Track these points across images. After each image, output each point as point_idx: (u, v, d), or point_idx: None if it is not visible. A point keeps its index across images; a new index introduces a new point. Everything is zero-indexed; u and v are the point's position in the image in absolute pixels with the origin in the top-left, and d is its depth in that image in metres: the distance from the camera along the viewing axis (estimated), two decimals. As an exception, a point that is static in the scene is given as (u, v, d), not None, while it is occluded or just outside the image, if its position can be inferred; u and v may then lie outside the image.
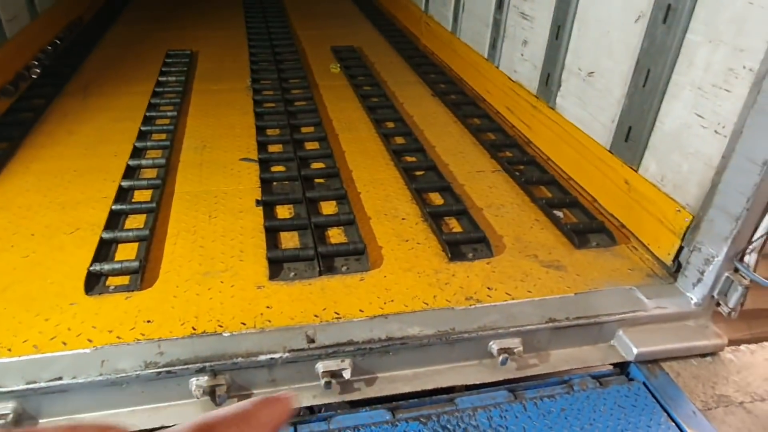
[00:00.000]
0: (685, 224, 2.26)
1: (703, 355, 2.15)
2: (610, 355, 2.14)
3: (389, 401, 1.96)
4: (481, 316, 2.07)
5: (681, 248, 2.29)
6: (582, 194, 2.88)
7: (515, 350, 2.01)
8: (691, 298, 2.20)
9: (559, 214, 2.69)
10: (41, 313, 1.98)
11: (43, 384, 1.71)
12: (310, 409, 1.92)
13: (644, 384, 2.05)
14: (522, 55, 3.50)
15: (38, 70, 4.30)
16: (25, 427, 1.74)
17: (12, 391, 1.69)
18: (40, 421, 1.76)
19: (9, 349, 1.83)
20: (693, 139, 2.25)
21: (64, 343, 1.86)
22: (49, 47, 4.79)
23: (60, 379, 1.73)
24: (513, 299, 2.17)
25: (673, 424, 1.90)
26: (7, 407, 1.69)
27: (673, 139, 2.35)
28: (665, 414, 1.93)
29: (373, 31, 5.73)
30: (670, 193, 2.38)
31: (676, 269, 2.32)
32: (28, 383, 1.71)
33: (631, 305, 2.16)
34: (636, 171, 2.57)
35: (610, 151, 2.74)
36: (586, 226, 2.60)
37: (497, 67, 3.83)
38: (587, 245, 2.50)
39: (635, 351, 2.07)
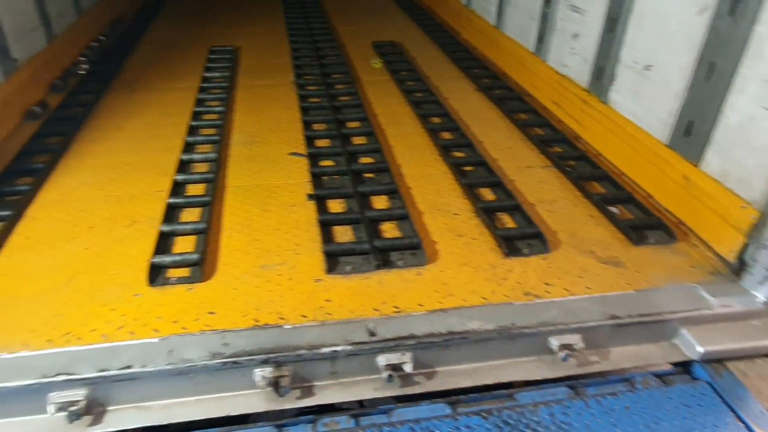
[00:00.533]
0: (751, 221, 2.19)
1: (770, 356, 2.09)
2: (672, 354, 2.09)
3: (448, 395, 1.95)
4: (541, 312, 2.04)
5: (746, 245, 2.23)
6: (636, 190, 2.82)
7: (576, 347, 1.98)
8: (757, 297, 2.14)
9: (614, 210, 2.64)
10: (107, 303, 2.02)
11: (114, 372, 1.75)
12: (371, 402, 1.92)
13: (709, 383, 2.00)
14: (572, 48, 3.44)
15: (86, 67, 4.39)
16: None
17: (84, 379, 1.73)
18: (108, 408, 1.79)
19: (79, 338, 1.87)
20: (760, 133, 2.18)
21: (132, 333, 1.90)
22: (95, 44, 4.88)
23: (130, 367, 1.76)
24: (572, 295, 2.14)
25: (742, 424, 1.85)
26: (79, 394, 1.73)
27: (739, 134, 2.28)
28: (733, 414, 1.88)
29: (412, 25, 5.70)
30: (734, 188, 2.31)
31: (739, 267, 2.25)
32: (99, 371, 1.75)
33: (694, 303, 2.11)
34: (696, 166, 2.50)
35: (667, 146, 2.67)
36: (642, 222, 2.55)
37: (544, 62, 3.78)
38: (645, 242, 2.44)
39: (700, 350, 2.02)
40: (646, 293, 2.16)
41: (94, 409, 1.77)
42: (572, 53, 3.45)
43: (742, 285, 2.20)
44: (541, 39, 3.81)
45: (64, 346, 1.84)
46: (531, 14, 3.92)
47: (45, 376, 1.72)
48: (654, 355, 2.09)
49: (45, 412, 1.71)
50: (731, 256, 2.29)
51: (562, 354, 1.96)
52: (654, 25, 2.75)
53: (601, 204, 2.67)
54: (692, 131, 2.52)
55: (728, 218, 2.31)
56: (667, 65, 2.67)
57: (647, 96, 2.82)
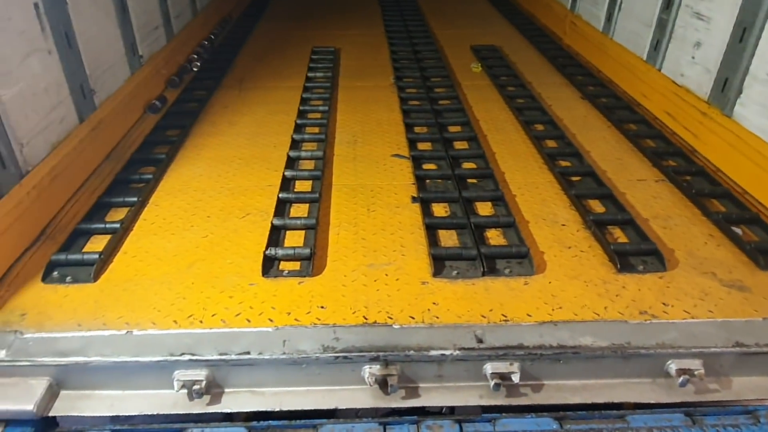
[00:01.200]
0: None
1: None
2: (805, 390, 1.93)
3: (555, 410, 1.90)
4: (659, 333, 1.95)
5: None
6: (762, 211, 2.63)
7: (696, 372, 1.87)
8: None
9: (737, 230, 2.47)
10: (225, 291, 2.12)
11: (233, 356, 1.83)
12: (476, 409, 1.90)
13: None
14: (693, 57, 3.26)
15: (198, 64, 4.64)
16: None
17: (206, 360, 1.83)
18: (226, 390, 1.88)
19: (201, 321, 1.98)
20: None
21: (248, 321, 1.98)
22: (206, 42, 5.15)
23: (248, 353, 1.84)
24: (692, 318, 2.02)
25: None
26: (200, 374, 1.82)
27: None
28: None
29: (512, 30, 5.62)
30: None
31: None
32: (220, 354, 1.84)
33: (834, 337, 1.94)
34: (836, 188, 2.30)
35: (802, 165, 2.47)
36: (771, 246, 2.37)
37: (659, 70, 3.60)
38: (774, 267, 2.27)
39: (839, 388, 1.85)
40: (776, 322, 2.00)
41: (212, 390, 1.86)
42: (693, 63, 3.27)
43: None
44: (656, 47, 3.63)
45: (188, 327, 1.95)
46: (645, 20, 3.75)
47: (172, 355, 1.83)
48: (783, 390, 1.94)
49: (170, 387, 1.82)
50: None
51: (680, 379, 1.86)
52: (793, 34, 2.55)
53: (722, 223, 2.50)
54: (834, 150, 2.32)
55: None
56: (807, 78, 2.47)
57: (780, 110, 2.62)
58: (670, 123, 3.44)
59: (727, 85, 2.95)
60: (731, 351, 1.90)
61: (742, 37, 2.84)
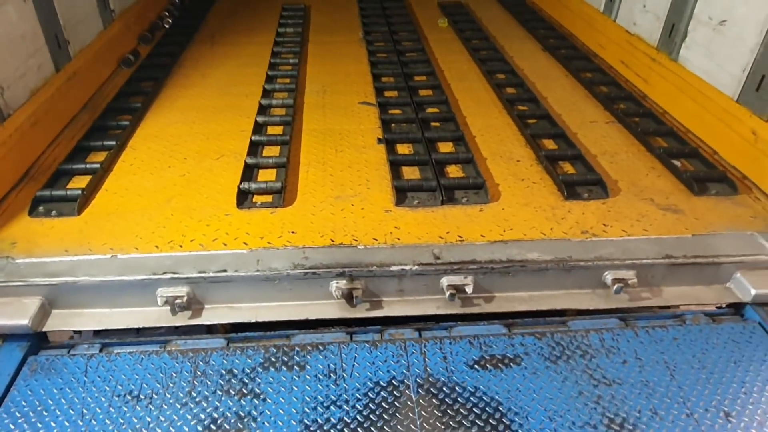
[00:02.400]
0: (817, 173, 2.22)
1: (825, 303, 2.14)
2: (725, 296, 2.18)
3: (505, 318, 2.12)
4: (597, 248, 2.17)
5: (809, 198, 2.26)
6: (702, 146, 2.85)
7: (629, 281, 2.10)
8: (817, 246, 2.18)
9: (676, 163, 2.69)
10: (202, 220, 2.28)
11: (211, 274, 2.01)
12: (434, 318, 2.11)
13: (760, 324, 2.08)
14: (644, 6, 3.43)
15: (170, 20, 4.68)
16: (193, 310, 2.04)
17: (187, 278, 2.00)
18: (205, 306, 2.05)
19: (180, 246, 2.14)
20: (833, 85, 2.19)
21: (225, 244, 2.15)
22: (177, 0, 5.17)
23: (225, 271, 2.01)
24: (629, 236, 2.24)
25: (791, 361, 1.93)
26: (182, 291, 1.99)
27: (810, 86, 2.30)
28: (782, 352, 1.96)
29: (479, -13, 5.72)
30: (802, 142, 2.33)
31: (801, 219, 2.29)
32: (199, 272, 2.01)
33: (751, 249, 2.18)
34: (766, 121, 2.52)
35: (737, 102, 2.69)
36: (705, 175, 2.59)
37: (614, 21, 3.78)
38: (706, 193, 2.50)
39: (753, 292, 2.09)
40: (703, 238, 2.23)
41: (193, 306, 2.03)
42: (644, 11, 3.45)
43: (802, 235, 2.24)
44: (612, -2, 3.80)
45: (169, 251, 2.11)
46: (603, -27, 3.91)
47: (155, 274, 1.99)
48: (707, 296, 2.18)
49: (154, 304, 1.99)
50: (793, 209, 2.32)
51: (615, 287, 2.08)
52: (731, -21, 2.74)
53: (664, 157, 2.72)
54: (763, 86, 2.53)
55: (793, 171, 2.34)
56: (743, 19, 2.66)
57: (720, 52, 2.82)
58: (624, 71, 3.64)
59: (674, 30, 3.15)
60: (661, 262, 2.13)
61: (687, -16, 3.02)
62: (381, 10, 4.93)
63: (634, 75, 3.53)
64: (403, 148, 2.84)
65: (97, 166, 2.56)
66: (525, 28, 4.52)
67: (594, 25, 4.04)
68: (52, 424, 1.72)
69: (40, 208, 2.32)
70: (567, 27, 4.47)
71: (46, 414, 1.75)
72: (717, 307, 2.22)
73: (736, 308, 2.18)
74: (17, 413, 1.75)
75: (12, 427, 1.72)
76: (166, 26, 4.62)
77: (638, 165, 2.72)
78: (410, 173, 2.64)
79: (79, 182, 2.49)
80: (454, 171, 2.66)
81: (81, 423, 1.73)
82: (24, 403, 1.78)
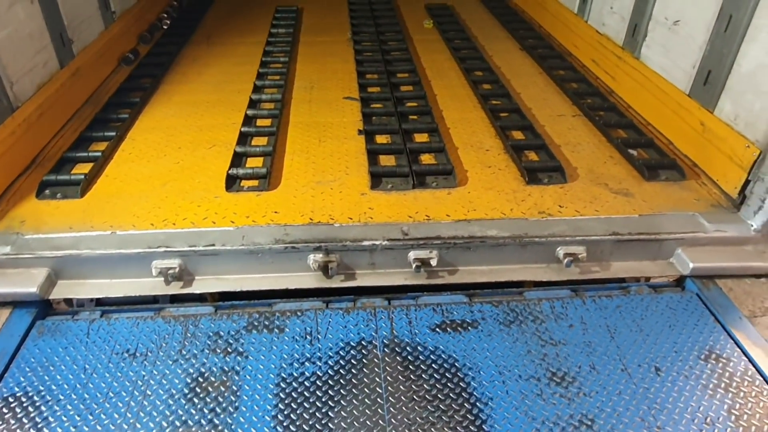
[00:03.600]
0: (753, 158, 2.44)
1: (758, 276, 2.35)
2: (667, 270, 2.40)
3: (466, 289, 2.34)
4: (551, 226, 2.39)
5: (747, 182, 2.48)
6: (658, 137, 3.07)
7: (579, 256, 2.32)
8: (752, 225, 2.40)
9: (633, 152, 2.91)
10: (194, 202, 2.51)
11: (200, 248, 2.23)
12: (402, 289, 2.33)
13: (697, 295, 2.30)
14: (611, 8, 3.66)
15: (168, 22, 4.91)
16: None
17: (178, 251, 2.22)
18: (196, 277, 2.28)
19: (174, 224, 2.37)
20: (767, 78, 2.41)
21: (214, 222, 2.38)
22: (175, 2, 5.40)
23: (213, 245, 2.24)
24: (581, 216, 2.46)
25: (719, 325, 2.16)
26: (174, 263, 2.22)
27: (749, 80, 2.51)
28: (713, 317, 2.18)
29: (466, -10, 5.95)
30: (742, 131, 2.54)
31: (740, 201, 2.51)
32: (189, 246, 2.23)
33: (691, 227, 2.40)
34: (711, 112, 2.74)
35: (688, 96, 2.91)
36: (657, 163, 2.81)
37: (586, 22, 4.01)
38: (657, 179, 2.72)
39: (691, 266, 2.31)
40: (648, 217, 2.46)
41: (185, 277, 2.26)
42: (611, 12, 3.68)
43: (739, 215, 2.47)
44: (584, 0, 4.03)
45: (163, 228, 2.34)
46: (576, -23, 4.14)
47: (150, 247, 2.22)
48: (650, 270, 2.41)
49: (149, 275, 2.22)
50: (734, 192, 2.55)
51: (565, 260, 2.31)
52: (683, -18, 2.97)
53: (621, 147, 2.95)
54: (709, 80, 2.75)
55: (734, 158, 2.56)
56: (693, 19, 2.89)
57: (674, 50, 3.04)
58: (594, 69, 3.86)
59: (636, 30, 3.37)
60: (608, 239, 2.36)
61: (647, -13, 3.25)
62: (370, 12, 5.16)
63: (603, 72, 3.75)
64: (381, 139, 3.06)
65: (99, 154, 2.79)
66: (506, 29, 4.75)
67: (569, 26, 4.27)
68: (58, 377, 1.95)
69: (47, 191, 2.55)
70: (546, 28, 4.71)
71: (52, 369, 1.97)
72: (669, 279, 2.44)
73: (679, 281, 2.40)
74: (27, 368, 1.97)
75: (22, 380, 1.94)
76: (165, 27, 4.85)
77: (597, 154, 2.95)
78: (387, 161, 2.87)
79: (82, 168, 2.72)
80: (427, 159, 2.89)
81: (83, 376, 1.95)
82: (33, 360, 2.00)
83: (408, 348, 2.06)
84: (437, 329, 2.14)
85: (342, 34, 4.68)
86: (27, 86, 2.80)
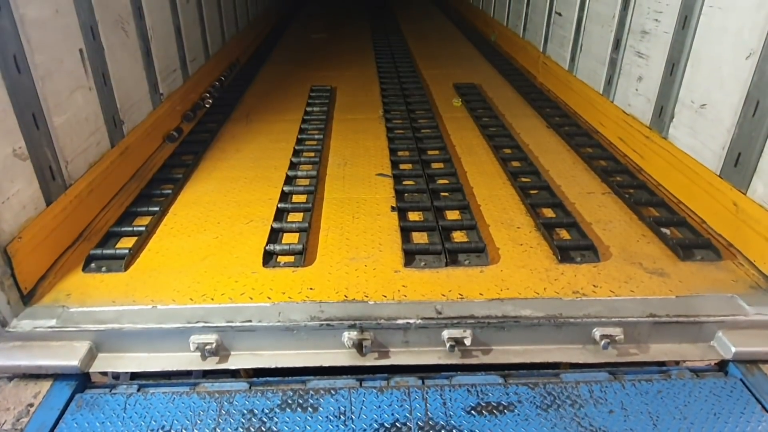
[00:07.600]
0: (790, 240, 2.42)
1: (803, 361, 2.28)
2: (708, 354, 2.34)
3: (501, 369, 2.31)
4: (587, 307, 2.38)
5: (786, 263, 2.45)
6: (690, 216, 3.08)
7: (616, 338, 2.29)
8: (793, 308, 2.35)
9: (666, 231, 2.92)
10: (232, 277, 2.58)
11: (237, 324, 2.27)
12: (436, 368, 2.31)
13: (741, 380, 2.23)
14: (636, 90, 3.77)
15: (210, 101, 5.20)
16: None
17: (216, 327, 2.27)
18: (232, 352, 2.31)
19: (212, 298, 2.43)
20: (798, 161, 2.43)
21: (251, 298, 2.43)
22: (217, 83, 5.74)
23: (249, 321, 2.28)
24: (617, 296, 2.45)
25: (767, 414, 2.07)
26: (211, 338, 2.26)
27: (780, 163, 2.54)
28: (759, 405, 2.11)
29: (492, 70, 6.20)
30: (777, 212, 2.55)
31: (780, 283, 2.47)
32: (227, 322, 2.28)
33: (731, 309, 2.36)
34: (744, 194, 2.75)
35: (719, 176, 2.93)
36: (691, 242, 2.80)
37: (612, 102, 4.12)
38: (692, 258, 2.70)
39: (734, 350, 2.26)
40: (686, 299, 2.43)
41: (221, 352, 2.29)
42: (637, 94, 3.78)
43: (779, 298, 2.42)
44: (609, 81, 4.16)
45: (202, 303, 2.39)
46: (600, 59, 4.30)
47: (188, 323, 2.27)
48: (691, 354, 2.35)
49: (187, 350, 2.25)
50: (772, 273, 2.51)
51: (602, 342, 2.28)
52: (708, 68, 3.06)
53: (654, 225, 2.95)
54: (740, 162, 2.78)
55: (771, 239, 2.54)
56: (720, 103, 2.96)
57: (702, 131, 3.10)
58: (621, 146, 3.93)
59: (663, 112, 3.45)
60: (646, 320, 2.33)
61: (672, 71, 3.36)
62: (400, 91, 5.39)
63: (631, 150, 3.82)
64: (414, 216, 3.13)
65: (143, 229, 2.91)
66: (533, 107, 4.90)
67: (594, 105, 4.39)
68: (94, 453, 1.96)
69: (92, 265, 2.65)
70: (571, 106, 4.84)
71: (89, 444, 1.99)
72: (710, 363, 2.38)
73: (721, 365, 2.34)
74: (64, 443, 2.00)
75: (59, 455, 1.96)
76: (207, 105, 5.13)
77: (630, 232, 2.96)
78: (419, 238, 2.92)
79: (127, 243, 2.83)
80: (459, 236, 2.93)
81: (119, 453, 1.96)
82: (71, 435, 2.02)
83: (443, 431, 2.03)
84: (473, 411, 2.10)
85: (374, 112, 4.88)
86: (80, 165, 2.98)
